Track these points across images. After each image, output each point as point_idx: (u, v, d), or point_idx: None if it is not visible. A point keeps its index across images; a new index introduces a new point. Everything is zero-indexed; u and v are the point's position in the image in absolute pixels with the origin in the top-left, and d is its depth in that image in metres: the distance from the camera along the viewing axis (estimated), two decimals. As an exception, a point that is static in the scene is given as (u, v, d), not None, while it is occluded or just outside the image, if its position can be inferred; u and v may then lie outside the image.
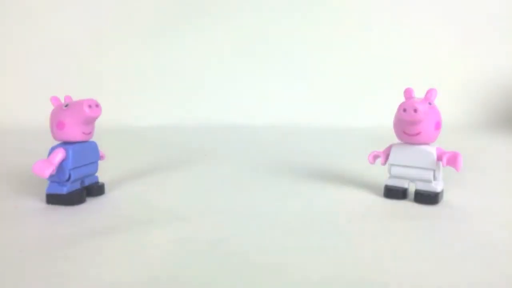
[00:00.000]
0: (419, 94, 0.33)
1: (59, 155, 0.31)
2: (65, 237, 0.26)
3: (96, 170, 0.35)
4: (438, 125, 0.31)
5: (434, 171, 0.32)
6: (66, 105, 0.31)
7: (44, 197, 0.32)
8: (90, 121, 0.32)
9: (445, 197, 0.33)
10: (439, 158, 0.31)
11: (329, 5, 0.93)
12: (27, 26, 0.89)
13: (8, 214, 0.30)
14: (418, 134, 0.31)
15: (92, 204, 0.33)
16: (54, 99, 0.33)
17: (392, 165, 0.34)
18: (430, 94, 0.32)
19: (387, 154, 0.34)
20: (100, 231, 0.27)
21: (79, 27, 0.90)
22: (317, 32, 0.93)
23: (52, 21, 0.89)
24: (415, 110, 0.29)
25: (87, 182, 0.34)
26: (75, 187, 0.32)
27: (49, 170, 0.30)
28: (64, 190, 0.31)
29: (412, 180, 0.33)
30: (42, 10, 0.89)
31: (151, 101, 0.88)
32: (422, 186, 0.32)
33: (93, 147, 0.34)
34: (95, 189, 0.34)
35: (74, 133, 0.31)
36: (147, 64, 0.91)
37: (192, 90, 0.89)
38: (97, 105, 0.31)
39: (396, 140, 0.33)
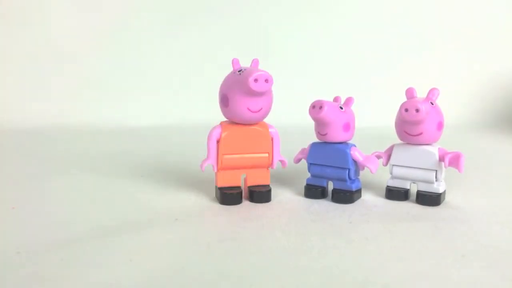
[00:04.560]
0: (421, 93, 0.32)
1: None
2: (63, 237, 0.25)
3: None
4: (440, 125, 0.31)
5: (436, 171, 0.31)
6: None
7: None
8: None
9: (447, 198, 0.33)
10: (441, 159, 0.31)
11: (330, 5, 0.93)
12: (26, 26, 0.88)
13: (5, 214, 0.30)
14: (420, 134, 0.31)
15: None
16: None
17: (393, 165, 0.33)
18: (432, 93, 0.32)
19: (388, 154, 0.34)
20: (97, 231, 0.26)
21: (78, 27, 0.90)
22: (317, 31, 0.93)
23: (51, 21, 0.89)
24: (417, 110, 0.29)
25: None
26: None
27: None
28: None
29: (414, 181, 0.33)
30: (41, 10, 0.89)
31: (151, 101, 0.88)
32: (424, 187, 0.32)
33: None
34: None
35: None
36: (146, 64, 0.91)
37: (191, 90, 0.89)
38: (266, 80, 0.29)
39: (398, 140, 0.33)
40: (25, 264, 0.22)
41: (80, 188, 0.37)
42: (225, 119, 0.33)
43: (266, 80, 0.29)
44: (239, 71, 0.30)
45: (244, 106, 0.30)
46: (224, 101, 0.31)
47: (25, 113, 0.82)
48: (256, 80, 0.28)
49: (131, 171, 0.43)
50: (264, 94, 0.30)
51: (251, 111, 0.30)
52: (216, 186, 0.33)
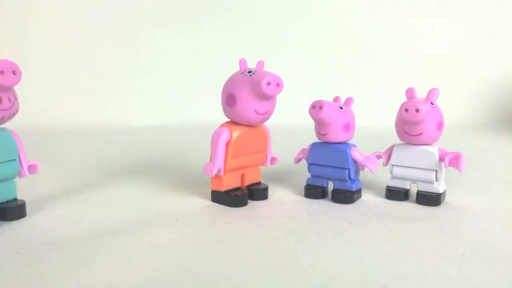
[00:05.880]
0: (421, 93, 0.32)
1: None
2: (64, 237, 0.25)
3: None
4: (440, 126, 0.31)
5: (436, 171, 0.31)
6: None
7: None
8: None
9: (447, 198, 0.33)
10: (442, 159, 0.31)
11: (330, 5, 0.93)
12: (28, 26, 0.89)
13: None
14: (420, 134, 0.31)
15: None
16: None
17: (394, 165, 0.33)
18: (432, 93, 0.32)
19: (389, 154, 0.34)
20: (97, 231, 0.26)
21: (79, 27, 0.90)
22: (316, 31, 0.93)
23: (53, 21, 0.89)
24: (417, 110, 0.29)
25: None
26: None
27: None
28: None
29: (414, 181, 0.33)
30: (42, 10, 0.89)
31: (152, 101, 0.88)
32: (424, 187, 0.32)
33: None
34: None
35: None
36: (147, 64, 0.91)
37: (192, 90, 0.89)
38: None
39: (398, 140, 0.33)
40: (25, 264, 0.22)
41: (80, 188, 0.37)
42: (226, 119, 0.33)
43: (278, 84, 0.29)
44: (248, 72, 0.30)
45: (251, 108, 0.30)
46: (230, 101, 0.30)
47: (25, 113, 0.82)
48: (269, 83, 0.28)
49: (131, 171, 0.43)
50: (273, 97, 0.30)
51: (258, 114, 0.30)
52: (215, 191, 0.32)
